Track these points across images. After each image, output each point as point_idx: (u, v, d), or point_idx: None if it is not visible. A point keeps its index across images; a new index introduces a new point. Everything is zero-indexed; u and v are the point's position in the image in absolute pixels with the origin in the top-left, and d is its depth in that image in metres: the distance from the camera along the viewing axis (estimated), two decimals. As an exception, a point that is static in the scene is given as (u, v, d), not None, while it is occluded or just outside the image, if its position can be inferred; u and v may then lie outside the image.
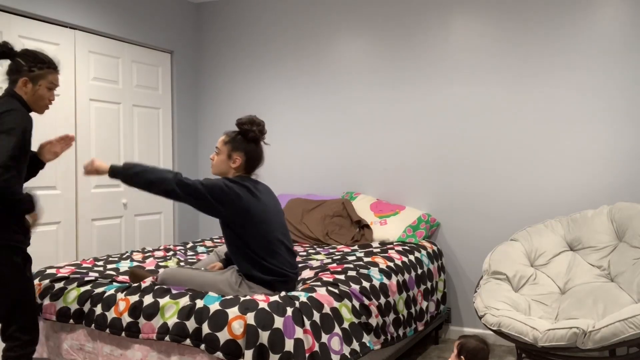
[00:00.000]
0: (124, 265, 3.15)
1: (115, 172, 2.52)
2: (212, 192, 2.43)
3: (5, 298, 2.38)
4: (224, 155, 2.62)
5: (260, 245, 2.50)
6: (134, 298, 2.45)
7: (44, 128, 3.69)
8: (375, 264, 3.09)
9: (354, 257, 3.28)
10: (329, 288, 2.58)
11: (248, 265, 2.51)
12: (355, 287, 2.71)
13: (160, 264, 3.19)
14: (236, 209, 2.47)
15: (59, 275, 2.82)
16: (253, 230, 2.49)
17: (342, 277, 2.77)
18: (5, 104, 2.37)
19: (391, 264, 3.17)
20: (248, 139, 2.62)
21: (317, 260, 3.29)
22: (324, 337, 2.34)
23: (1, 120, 2.30)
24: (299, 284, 2.73)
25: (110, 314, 2.47)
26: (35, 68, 2.43)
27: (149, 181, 2.43)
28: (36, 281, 2.81)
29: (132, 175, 2.47)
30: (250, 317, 2.17)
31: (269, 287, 2.51)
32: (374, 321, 2.73)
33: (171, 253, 3.54)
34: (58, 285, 2.72)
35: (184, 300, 2.35)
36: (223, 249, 3.00)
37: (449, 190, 4.03)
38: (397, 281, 3.09)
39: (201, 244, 3.93)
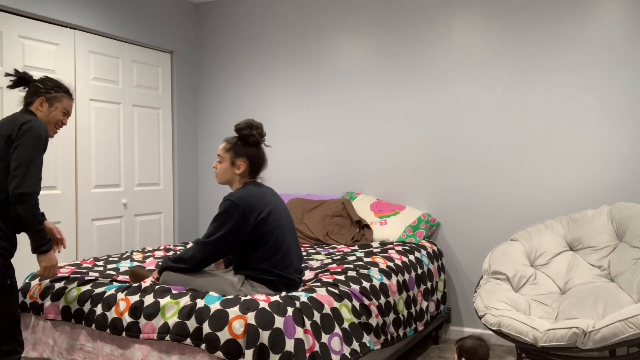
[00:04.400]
0: (124, 265, 3.15)
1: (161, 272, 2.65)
2: (225, 234, 2.48)
3: None
4: (227, 162, 2.62)
5: (270, 249, 2.51)
6: (135, 298, 2.45)
7: (44, 128, 3.69)
8: (375, 264, 3.09)
9: (354, 257, 3.28)
10: (329, 288, 2.58)
11: (255, 267, 2.52)
12: (355, 287, 2.71)
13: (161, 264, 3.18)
14: (250, 226, 2.50)
15: (59, 275, 2.82)
16: (265, 235, 2.51)
17: (342, 277, 2.77)
18: (23, 116, 2.47)
19: (391, 264, 3.17)
20: (249, 143, 2.62)
21: (317, 260, 3.29)
22: (324, 337, 2.34)
23: (23, 131, 2.39)
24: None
25: (111, 314, 2.47)
26: (53, 91, 2.55)
27: (188, 269, 2.56)
28: (36, 281, 2.81)
29: (175, 269, 2.59)
30: (250, 317, 2.17)
31: (272, 287, 2.52)
32: (374, 321, 2.73)
33: (171, 253, 3.54)
34: (58, 285, 2.72)
35: (185, 300, 2.35)
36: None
37: (449, 190, 4.04)
38: (397, 281, 3.09)
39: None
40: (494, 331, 2.88)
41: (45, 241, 2.42)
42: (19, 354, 2.43)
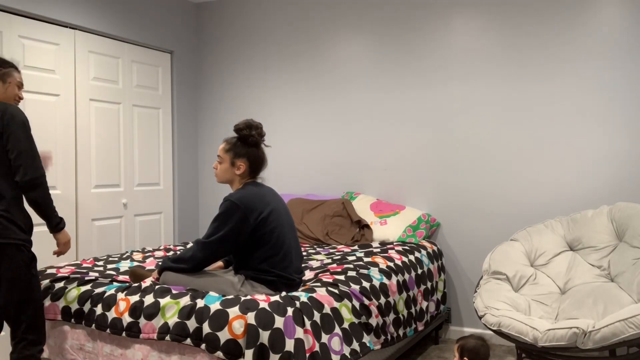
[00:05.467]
0: (124, 265, 3.15)
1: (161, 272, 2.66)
2: (226, 234, 2.48)
3: (13, 296, 2.41)
4: (227, 163, 2.62)
5: (271, 249, 2.51)
6: (135, 298, 2.45)
7: (44, 128, 3.69)
8: (375, 264, 3.09)
9: (354, 257, 3.28)
10: (329, 288, 2.58)
11: (255, 267, 2.52)
12: (355, 287, 2.71)
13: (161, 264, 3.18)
14: (251, 226, 2.50)
15: (59, 275, 2.82)
16: (266, 236, 2.51)
17: (342, 277, 2.77)
18: None
19: (391, 264, 3.17)
20: (248, 143, 2.62)
21: (317, 260, 3.29)
22: (324, 337, 2.34)
23: (7, 120, 2.39)
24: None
25: (111, 314, 2.47)
26: (2, 68, 2.53)
27: (189, 269, 2.56)
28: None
29: (176, 269, 2.59)
30: (250, 317, 2.17)
31: (272, 287, 2.52)
32: (374, 321, 2.73)
33: (171, 253, 3.54)
34: (58, 285, 2.72)
35: (185, 300, 2.35)
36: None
37: (449, 190, 4.04)
38: (397, 281, 3.09)
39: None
40: (494, 331, 2.88)
41: (60, 219, 2.52)
42: (42, 345, 2.49)
